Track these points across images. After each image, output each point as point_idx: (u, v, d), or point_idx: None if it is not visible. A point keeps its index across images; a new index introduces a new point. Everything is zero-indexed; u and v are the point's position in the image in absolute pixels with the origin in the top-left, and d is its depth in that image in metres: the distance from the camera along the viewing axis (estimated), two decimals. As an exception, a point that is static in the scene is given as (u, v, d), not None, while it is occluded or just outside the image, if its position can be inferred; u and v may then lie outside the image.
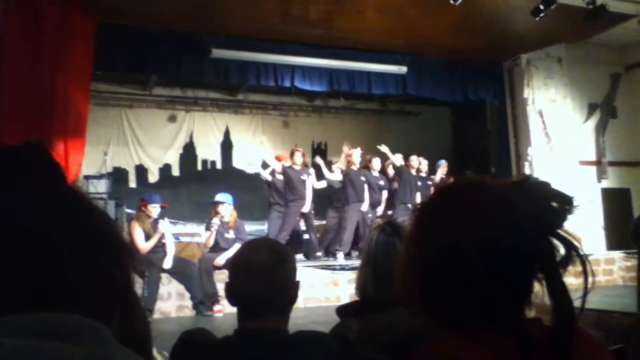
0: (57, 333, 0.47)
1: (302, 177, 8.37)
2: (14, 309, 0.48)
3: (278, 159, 8.80)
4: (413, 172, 9.10)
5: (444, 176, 9.19)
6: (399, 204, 8.82)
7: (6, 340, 0.44)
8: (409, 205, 8.36)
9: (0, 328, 0.45)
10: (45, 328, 0.47)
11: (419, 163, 9.25)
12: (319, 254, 8.49)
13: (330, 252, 8.60)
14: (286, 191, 8.33)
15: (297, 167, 8.45)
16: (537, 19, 7.75)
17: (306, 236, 8.75)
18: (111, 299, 0.58)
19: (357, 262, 7.25)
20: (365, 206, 8.68)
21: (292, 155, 8.54)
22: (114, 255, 0.60)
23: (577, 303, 0.79)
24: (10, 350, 0.43)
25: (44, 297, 0.52)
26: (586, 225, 8.53)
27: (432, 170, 9.44)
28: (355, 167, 8.72)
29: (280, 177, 8.46)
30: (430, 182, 9.05)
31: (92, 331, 0.49)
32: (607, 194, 10.44)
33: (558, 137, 9.92)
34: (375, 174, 9.13)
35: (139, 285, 6.15)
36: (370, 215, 8.75)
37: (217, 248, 6.95)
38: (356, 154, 8.76)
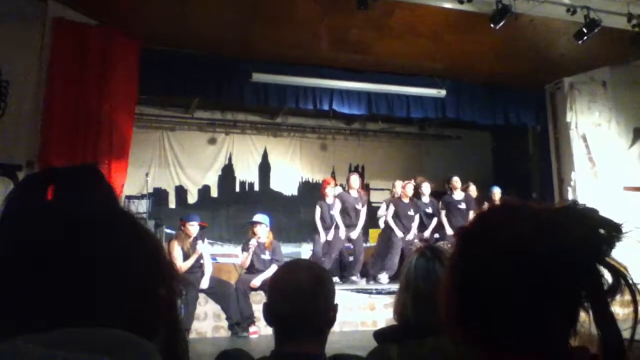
0: (102, 346, 0.48)
1: (356, 206, 8.41)
2: (60, 324, 0.49)
3: (326, 182, 8.80)
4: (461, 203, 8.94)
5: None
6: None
7: (49, 353, 0.44)
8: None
9: (45, 342, 0.46)
10: (89, 341, 0.48)
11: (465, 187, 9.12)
12: (354, 278, 8.40)
13: (371, 276, 8.52)
14: (343, 216, 8.31)
15: (355, 195, 8.48)
16: (580, 42, 7.63)
17: (350, 259, 8.66)
18: (156, 317, 0.59)
19: (394, 287, 7.16)
20: (410, 236, 8.60)
21: (348, 180, 8.51)
22: (160, 274, 0.61)
23: (625, 335, 0.76)
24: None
25: (90, 312, 0.54)
26: (633, 253, 8.22)
27: (487, 196, 9.22)
28: (406, 200, 8.66)
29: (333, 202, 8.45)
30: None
31: (137, 346, 0.50)
32: (654, 221, 10.05)
33: (602, 162, 9.64)
34: (425, 199, 8.95)
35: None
36: (416, 240, 8.63)
37: (252, 269, 6.99)
38: (409, 187, 8.67)
